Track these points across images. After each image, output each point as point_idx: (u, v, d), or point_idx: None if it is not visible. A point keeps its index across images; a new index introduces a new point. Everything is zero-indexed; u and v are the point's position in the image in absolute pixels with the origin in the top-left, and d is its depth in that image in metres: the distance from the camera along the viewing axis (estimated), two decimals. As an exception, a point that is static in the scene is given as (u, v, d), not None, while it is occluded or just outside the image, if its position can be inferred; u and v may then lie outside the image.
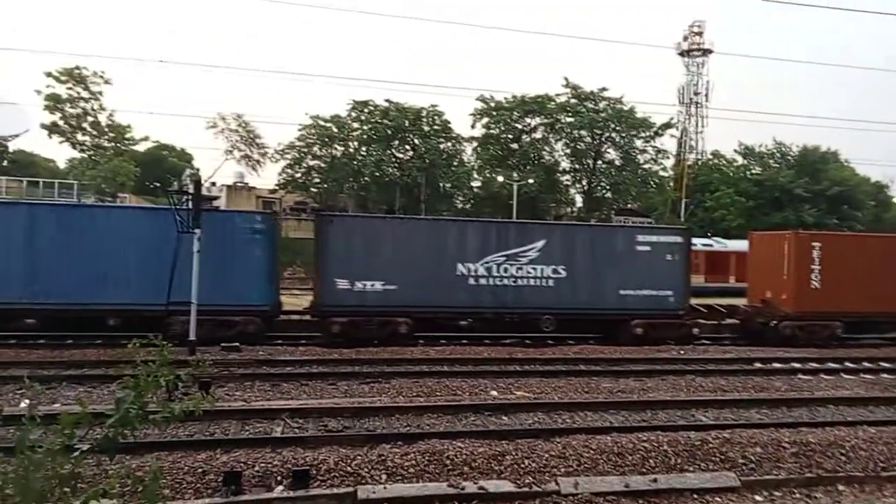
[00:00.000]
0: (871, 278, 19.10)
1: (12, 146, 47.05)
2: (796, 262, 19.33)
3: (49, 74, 42.68)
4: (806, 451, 8.72)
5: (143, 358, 4.53)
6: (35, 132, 42.78)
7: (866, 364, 15.78)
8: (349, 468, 7.59)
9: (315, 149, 50.81)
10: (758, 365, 15.40)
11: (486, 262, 17.69)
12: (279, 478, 7.31)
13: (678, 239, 19.09)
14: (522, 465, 7.90)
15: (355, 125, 50.82)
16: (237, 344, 15.25)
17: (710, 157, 57.53)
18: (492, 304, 17.75)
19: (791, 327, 19.16)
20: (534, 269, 17.95)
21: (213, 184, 50.76)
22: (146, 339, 4.64)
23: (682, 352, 16.87)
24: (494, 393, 11.88)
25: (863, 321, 19.88)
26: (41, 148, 50.25)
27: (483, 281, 17.67)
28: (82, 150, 45.63)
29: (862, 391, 13.00)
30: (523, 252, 17.91)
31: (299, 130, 49.76)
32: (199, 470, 7.29)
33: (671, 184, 55.07)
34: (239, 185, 54.58)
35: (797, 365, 15.49)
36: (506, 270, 17.79)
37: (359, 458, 7.81)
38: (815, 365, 15.54)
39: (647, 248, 18.58)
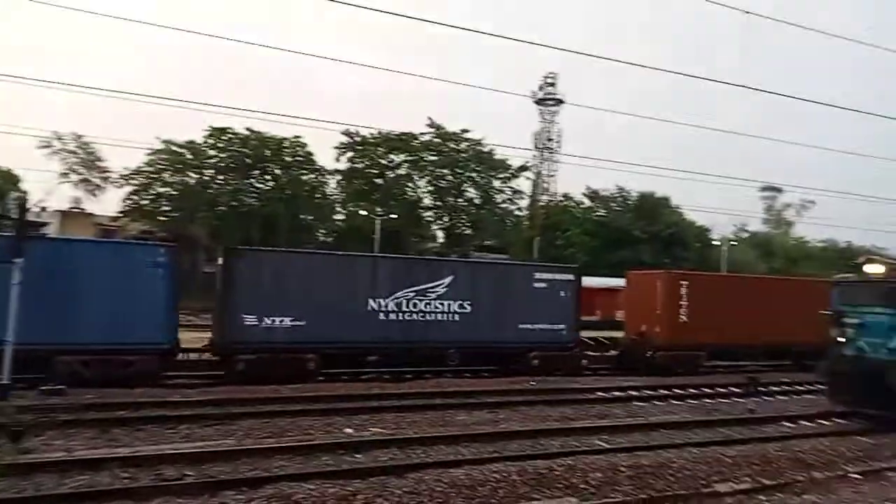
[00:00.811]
0: (728, 313, 21.43)
1: None
2: (667, 299, 21.41)
3: None
4: (640, 473, 9.34)
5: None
6: None
7: (691, 391, 17.37)
8: (185, 519, 7.00)
9: (166, 175, 47.82)
10: (599, 394, 16.41)
11: (397, 298, 17.88)
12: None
13: (570, 277, 20.54)
14: (374, 504, 7.72)
15: (212, 152, 48.60)
16: (62, 386, 13.69)
17: (561, 198, 61.49)
18: (400, 339, 17.92)
19: (664, 357, 21.01)
20: (441, 304, 18.39)
21: (44, 209, 45.84)
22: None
23: (532, 383, 17.57)
24: (349, 430, 11.59)
25: (722, 351, 22.33)
26: None
27: (393, 316, 17.84)
28: None
29: (688, 415, 14.26)
30: (432, 288, 18.31)
31: (148, 155, 46.67)
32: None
33: (526, 223, 58.07)
34: (75, 210, 49.82)
35: (633, 393, 16.70)
36: (415, 306, 18.12)
37: (197, 507, 7.23)
38: (648, 392, 16.84)
39: (544, 285, 19.76)
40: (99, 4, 19.26)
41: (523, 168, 56.14)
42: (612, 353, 23.47)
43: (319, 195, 51.34)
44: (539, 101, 61.44)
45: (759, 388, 17.58)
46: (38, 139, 43.00)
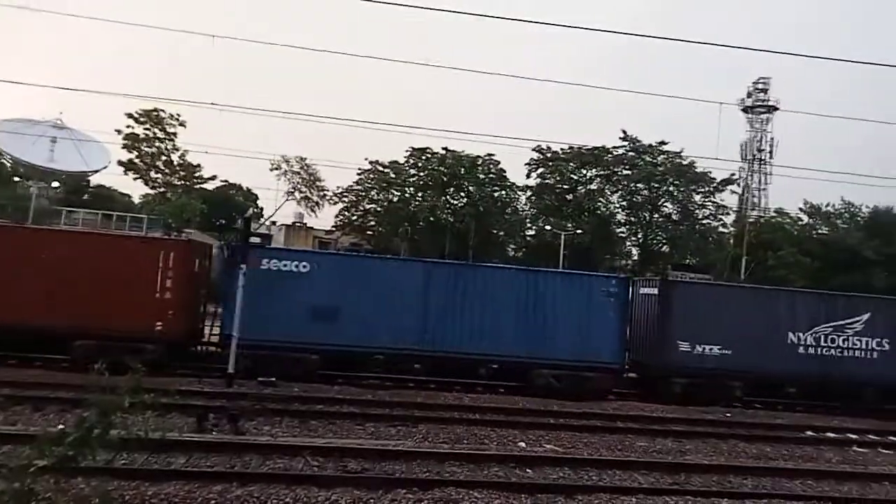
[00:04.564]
0: None
1: (93, 181, 49.90)
2: None
3: (129, 115, 45.58)
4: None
5: (108, 384, 4.75)
6: (114, 169, 45.36)
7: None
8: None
9: (372, 193, 52.02)
10: (809, 433, 14.54)
11: (815, 332, 18.27)
12: None
13: None
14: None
15: (412, 171, 51.88)
16: (273, 379, 15.49)
17: (774, 214, 55.72)
18: (818, 372, 18.15)
19: None
20: (858, 340, 18.41)
21: (274, 223, 52.41)
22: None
23: (728, 415, 16.13)
24: (522, 444, 11.64)
25: None
26: (119, 183, 52.88)
27: (811, 350, 18.25)
28: (154, 187, 48.17)
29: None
30: (850, 324, 18.49)
31: (358, 175, 51.13)
32: (212, 502, 7.39)
33: (731, 240, 53.47)
34: (298, 224, 56.21)
35: (853, 436, 14.50)
36: (832, 341, 18.37)
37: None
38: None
39: None
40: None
41: (728, 181, 51.78)
42: None
43: (510, 210, 52.22)
44: (747, 109, 56.56)
45: None
46: (270, 162, 49.16)
